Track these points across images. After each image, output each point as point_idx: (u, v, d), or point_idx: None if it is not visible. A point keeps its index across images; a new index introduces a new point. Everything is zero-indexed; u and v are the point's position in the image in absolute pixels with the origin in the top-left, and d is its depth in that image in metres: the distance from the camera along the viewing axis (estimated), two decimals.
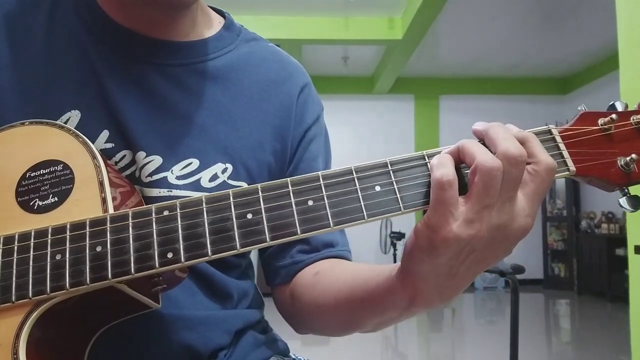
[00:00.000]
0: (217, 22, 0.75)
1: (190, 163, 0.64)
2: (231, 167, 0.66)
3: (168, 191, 0.62)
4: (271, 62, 0.75)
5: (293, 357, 0.75)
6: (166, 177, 0.62)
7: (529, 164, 0.46)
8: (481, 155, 0.45)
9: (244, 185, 0.66)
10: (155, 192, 0.62)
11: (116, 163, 0.62)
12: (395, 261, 6.93)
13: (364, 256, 7.04)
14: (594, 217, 7.05)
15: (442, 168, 0.45)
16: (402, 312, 0.53)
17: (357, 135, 7.58)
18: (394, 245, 6.83)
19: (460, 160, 0.47)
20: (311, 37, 5.84)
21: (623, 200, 0.50)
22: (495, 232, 0.46)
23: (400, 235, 6.72)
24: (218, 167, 0.65)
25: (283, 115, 0.71)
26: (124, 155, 0.62)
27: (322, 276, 0.67)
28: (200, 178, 0.64)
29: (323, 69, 7.14)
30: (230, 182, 0.65)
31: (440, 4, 4.78)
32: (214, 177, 0.64)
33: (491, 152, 0.46)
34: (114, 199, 0.53)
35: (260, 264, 0.74)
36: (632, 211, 0.50)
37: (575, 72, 7.58)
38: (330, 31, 5.80)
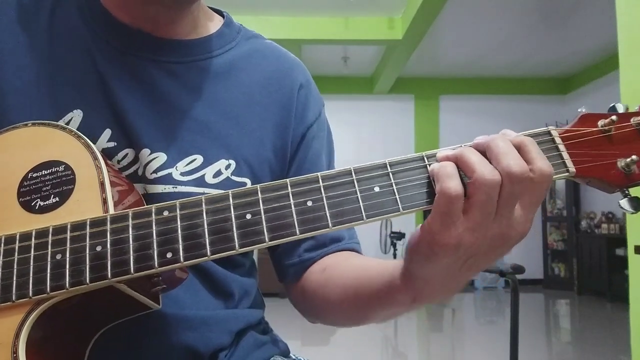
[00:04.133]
0: (218, 21, 0.75)
1: (195, 159, 0.64)
2: (234, 163, 0.66)
3: (173, 187, 0.62)
4: (271, 58, 0.75)
5: (293, 357, 0.75)
6: (171, 173, 0.63)
7: None
8: (481, 169, 0.45)
9: (248, 181, 0.67)
10: (160, 188, 0.62)
11: (118, 162, 0.62)
12: None
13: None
14: (594, 217, 7.05)
15: (451, 180, 0.45)
16: (407, 307, 0.56)
17: (357, 135, 7.58)
18: (394, 245, 6.82)
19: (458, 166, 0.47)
20: (311, 37, 5.84)
21: (624, 202, 0.50)
22: (495, 239, 0.47)
23: (400, 235, 6.71)
24: (221, 164, 0.65)
25: (284, 112, 0.71)
26: (127, 154, 0.62)
27: (329, 273, 0.68)
28: (204, 174, 0.64)
29: (323, 69, 7.14)
30: (234, 178, 0.66)
31: (440, 4, 4.78)
32: (218, 173, 0.65)
33: (493, 165, 0.46)
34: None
35: (272, 262, 0.75)
36: (632, 212, 0.50)
37: (575, 72, 7.58)
38: (330, 31, 5.80)
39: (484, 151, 0.47)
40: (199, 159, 0.64)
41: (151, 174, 0.62)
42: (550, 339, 4.90)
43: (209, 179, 0.64)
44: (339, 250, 0.72)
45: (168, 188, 0.62)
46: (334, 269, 0.68)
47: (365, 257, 0.71)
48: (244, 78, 0.71)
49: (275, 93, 0.72)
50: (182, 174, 0.63)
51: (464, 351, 4.43)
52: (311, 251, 0.71)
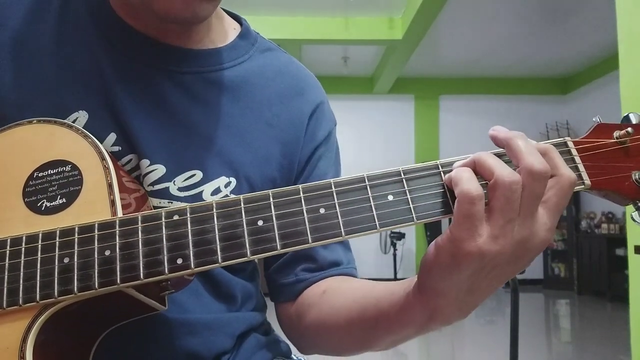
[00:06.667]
0: (232, 29, 0.73)
1: (194, 175, 0.62)
2: (235, 181, 0.64)
3: (168, 202, 0.61)
4: (285, 75, 0.73)
5: (295, 358, 0.74)
6: (168, 187, 0.61)
7: (550, 176, 0.46)
8: (500, 170, 0.44)
9: None
10: (155, 202, 0.61)
11: (123, 166, 0.61)
12: (395, 261, 6.93)
13: (364, 256, 7.04)
14: (594, 217, 7.05)
15: (470, 182, 0.44)
16: (420, 329, 0.52)
17: (358, 135, 7.57)
18: (394, 245, 6.83)
19: (475, 173, 0.46)
20: (311, 37, 5.84)
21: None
22: (517, 247, 0.45)
23: (400, 235, 6.71)
24: (221, 181, 0.63)
25: (293, 132, 0.70)
26: (130, 159, 0.62)
27: (330, 295, 0.65)
28: (202, 191, 0.62)
29: (323, 69, 7.13)
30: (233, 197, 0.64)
31: (440, 4, 4.78)
32: (217, 191, 0.63)
33: (513, 164, 0.45)
34: (129, 205, 0.52)
35: (265, 279, 0.73)
36: None
37: (575, 72, 7.58)
38: (330, 31, 5.80)
39: (503, 147, 0.47)
40: (199, 175, 0.62)
41: (148, 185, 0.61)
42: (550, 339, 4.90)
43: (207, 196, 0.62)
44: (338, 275, 0.69)
45: (163, 202, 0.61)
46: (335, 291, 0.65)
47: (368, 281, 0.68)
48: (254, 94, 0.69)
49: (286, 113, 0.70)
50: (180, 189, 0.62)
51: (464, 351, 4.43)
52: (308, 272, 0.68)
